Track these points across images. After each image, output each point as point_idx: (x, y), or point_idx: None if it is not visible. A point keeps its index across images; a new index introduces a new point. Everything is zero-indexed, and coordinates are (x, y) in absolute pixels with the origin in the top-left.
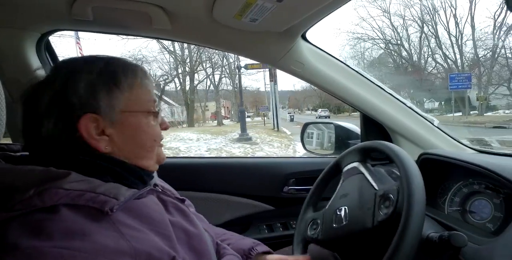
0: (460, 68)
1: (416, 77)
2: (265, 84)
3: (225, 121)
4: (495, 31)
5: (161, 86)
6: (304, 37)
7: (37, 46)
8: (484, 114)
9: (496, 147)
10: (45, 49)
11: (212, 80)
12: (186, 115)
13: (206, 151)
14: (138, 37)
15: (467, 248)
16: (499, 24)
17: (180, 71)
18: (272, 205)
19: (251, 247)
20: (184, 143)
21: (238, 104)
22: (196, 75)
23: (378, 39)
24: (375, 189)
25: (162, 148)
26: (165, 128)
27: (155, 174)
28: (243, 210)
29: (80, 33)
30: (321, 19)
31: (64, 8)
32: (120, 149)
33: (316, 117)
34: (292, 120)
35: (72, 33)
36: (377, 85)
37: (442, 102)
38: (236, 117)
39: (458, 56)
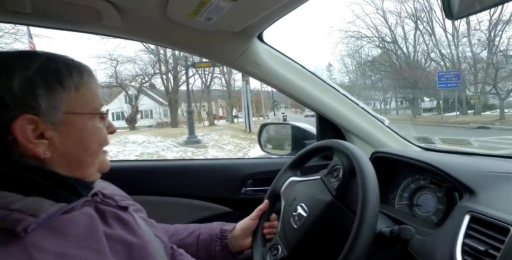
0: (457, 66)
1: (412, 75)
2: (261, 84)
3: (221, 122)
4: (490, 28)
5: (138, 86)
6: (260, 38)
7: None
8: (482, 113)
9: (438, 145)
10: None
11: (203, 80)
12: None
13: (136, 156)
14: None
15: (414, 240)
16: (494, 21)
17: (163, 71)
18: (230, 207)
19: (220, 229)
20: (122, 147)
21: (230, 104)
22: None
23: (372, 37)
24: (318, 178)
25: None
26: (112, 132)
27: (97, 182)
28: (200, 213)
29: (44, 31)
30: (277, 20)
31: None
32: (61, 155)
33: (305, 117)
34: (284, 120)
35: (24, 29)
36: (332, 86)
37: (440, 101)
38: (230, 117)
39: (455, 56)
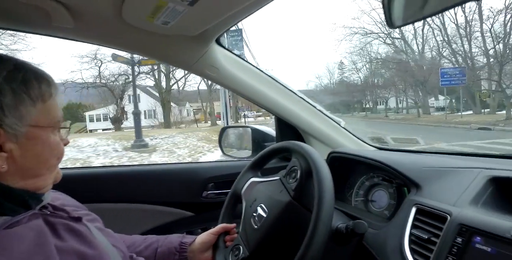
0: (469, 62)
1: (420, 73)
2: None
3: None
4: (505, 21)
5: (121, 87)
6: (218, 42)
7: None
8: (497, 113)
9: (390, 144)
10: None
11: (205, 80)
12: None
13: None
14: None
15: (369, 233)
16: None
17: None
18: (192, 211)
19: (179, 241)
20: None
21: (235, 104)
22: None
23: (379, 33)
24: (277, 178)
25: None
26: (66, 144)
27: (48, 193)
28: (162, 219)
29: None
30: (235, 24)
31: None
32: (18, 168)
33: None
34: None
35: None
36: (289, 89)
37: (453, 100)
38: (235, 117)
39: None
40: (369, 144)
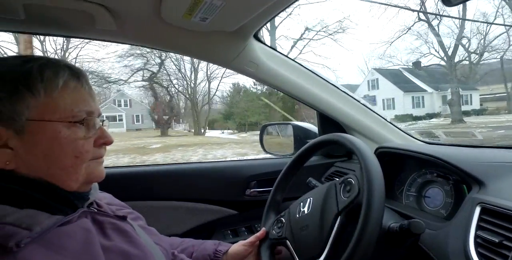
0: None
1: None
2: None
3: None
4: None
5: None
6: (256, 37)
7: None
8: None
9: (442, 139)
10: None
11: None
12: None
13: None
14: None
15: (425, 234)
16: None
17: None
18: (235, 209)
19: (214, 249)
20: None
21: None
22: None
23: None
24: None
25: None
26: (106, 143)
27: (95, 190)
28: (206, 217)
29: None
30: (272, 18)
31: None
32: (29, 167)
33: None
34: None
35: None
36: (331, 84)
37: None
38: None
39: None
40: (417, 139)
